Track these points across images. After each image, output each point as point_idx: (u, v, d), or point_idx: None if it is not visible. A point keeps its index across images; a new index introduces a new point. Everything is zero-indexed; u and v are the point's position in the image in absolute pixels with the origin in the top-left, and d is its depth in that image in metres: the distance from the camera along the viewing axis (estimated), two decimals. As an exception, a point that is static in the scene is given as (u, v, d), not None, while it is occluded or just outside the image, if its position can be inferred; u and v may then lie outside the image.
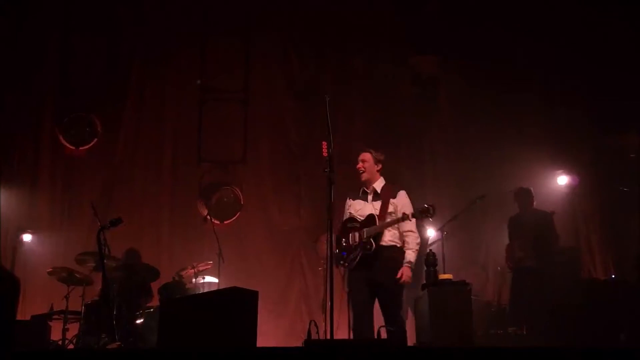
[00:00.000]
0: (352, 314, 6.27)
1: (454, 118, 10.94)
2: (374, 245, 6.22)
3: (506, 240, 8.96)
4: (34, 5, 10.78)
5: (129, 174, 10.73)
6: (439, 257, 7.39)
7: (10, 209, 10.13)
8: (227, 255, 9.10)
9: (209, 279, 8.81)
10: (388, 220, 6.31)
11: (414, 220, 6.32)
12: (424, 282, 6.96)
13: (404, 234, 6.37)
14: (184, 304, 6.05)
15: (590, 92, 10.25)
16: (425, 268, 7.00)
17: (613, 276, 9.41)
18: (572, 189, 10.06)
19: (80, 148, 10.75)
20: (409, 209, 6.36)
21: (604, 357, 4.09)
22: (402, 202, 6.45)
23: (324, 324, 7.56)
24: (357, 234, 6.35)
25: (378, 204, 6.44)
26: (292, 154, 10.89)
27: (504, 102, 10.40)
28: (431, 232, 9.87)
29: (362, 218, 6.43)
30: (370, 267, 6.24)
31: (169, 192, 10.77)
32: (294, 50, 11.27)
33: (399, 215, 6.30)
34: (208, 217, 9.52)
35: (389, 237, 6.35)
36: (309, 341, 4.90)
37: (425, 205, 6.19)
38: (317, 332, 5.70)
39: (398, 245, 6.36)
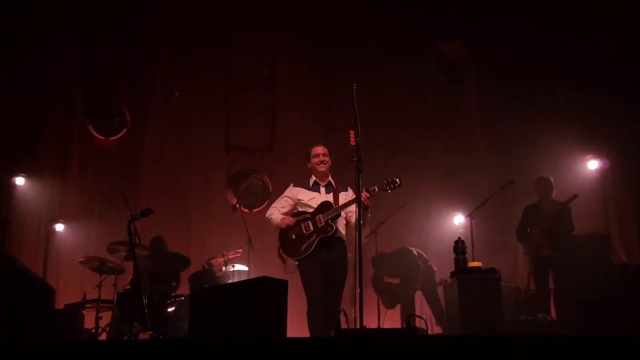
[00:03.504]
0: (309, 303, 6.32)
1: (480, 104, 10.86)
2: (334, 227, 6.35)
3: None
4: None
5: (158, 163, 10.82)
6: (468, 244, 7.34)
7: (42, 200, 10.31)
8: (257, 243, 9.13)
9: (238, 267, 8.87)
10: (344, 202, 6.41)
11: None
12: (453, 270, 6.93)
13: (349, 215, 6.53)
14: (214, 292, 6.09)
15: (621, 76, 10.10)
16: (454, 256, 6.96)
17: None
18: (603, 174, 9.96)
19: (110, 138, 10.88)
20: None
21: (635, 344, 4.05)
22: (352, 194, 6.49)
23: (353, 312, 7.58)
24: (310, 223, 6.44)
25: (331, 196, 6.59)
26: (319, 141, 10.87)
27: (532, 87, 10.29)
28: (459, 219, 9.86)
29: (312, 208, 6.54)
30: (329, 250, 6.37)
31: (198, 180, 10.85)
32: (321, 38, 11.24)
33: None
34: (237, 205, 9.55)
35: (341, 228, 6.54)
36: (339, 331, 4.92)
37: (393, 177, 6.29)
38: (347, 322, 5.70)
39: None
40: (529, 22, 10.41)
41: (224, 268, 8.68)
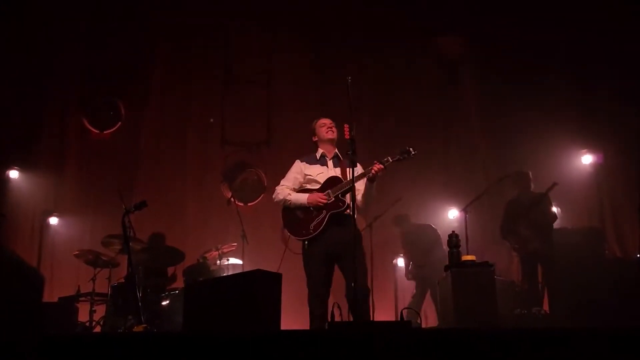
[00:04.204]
0: (314, 291, 6.00)
1: (478, 100, 10.87)
2: (345, 202, 5.99)
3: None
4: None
5: (153, 157, 10.82)
6: (462, 238, 7.35)
7: (37, 193, 10.30)
8: (251, 237, 9.14)
9: (233, 260, 8.86)
10: (356, 175, 5.93)
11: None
12: (447, 263, 6.94)
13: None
14: (208, 286, 6.08)
15: (616, 72, 10.12)
16: (448, 249, 6.97)
17: (639, 255, 9.31)
18: (597, 168, 9.99)
19: (105, 132, 10.86)
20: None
21: (629, 338, 4.07)
22: (362, 169, 6.18)
23: (347, 306, 7.58)
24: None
25: (339, 170, 6.28)
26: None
27: (528, 83, 10.31)
28: (454, 213, 9.88)
29: (320, 184, 6.22)
30: (341, 227, 5.92)
31: (193, 174, 10.85)
32: (318, 34, 11.23)
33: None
34: (232, 199, 9.54)
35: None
36: (332, 323, 4.92)
37: (406, 147, 6.05)
38: (341, 315, 5.70)
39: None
40: (526, 20, 10.42)
41: (218, 261, 8.67)
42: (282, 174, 6.58)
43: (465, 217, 8.69)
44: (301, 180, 6.36)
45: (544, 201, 8.56)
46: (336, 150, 6.45)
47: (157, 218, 9.61)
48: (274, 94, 11.25)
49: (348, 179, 5.91)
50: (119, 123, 10.91)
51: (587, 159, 9.95)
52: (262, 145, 11.09)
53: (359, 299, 5.64)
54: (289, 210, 6.25)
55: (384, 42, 10.99)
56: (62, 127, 10.82)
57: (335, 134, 6.38)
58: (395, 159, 6.01)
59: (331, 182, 6.16)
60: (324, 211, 6.02)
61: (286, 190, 6.32)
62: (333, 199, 6.04)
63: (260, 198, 10.75)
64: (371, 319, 6.12)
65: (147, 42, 11.17)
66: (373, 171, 5.92)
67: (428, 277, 8.88)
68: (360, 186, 6.11)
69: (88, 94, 10.94)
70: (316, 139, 6.50)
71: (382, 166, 5.94)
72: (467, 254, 7.16)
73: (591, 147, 9.95)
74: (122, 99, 10.96)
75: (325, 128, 6.43)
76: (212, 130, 11.08)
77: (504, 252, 9.81)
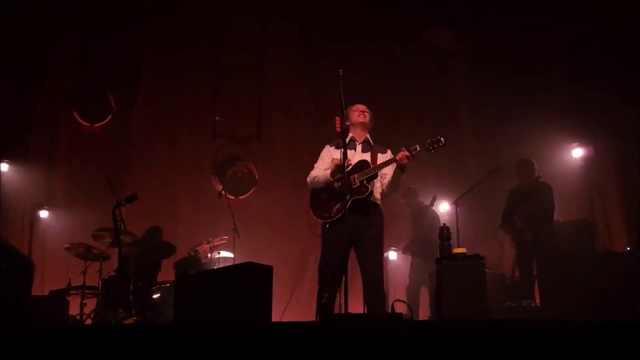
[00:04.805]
0: (326, 274, 5.96)
1: (468, 92, 10.88)
2: (369, 188, 5.95)
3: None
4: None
5: (144, 150, 10.79)
6: (453, 231, 7.35)
7: (27, 186, 10.27)
8: (242, 230, 9.15)
9: (224, 254, 8.86)
10: (383, 161, 6.04)
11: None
12: (438, 256, 6.94)
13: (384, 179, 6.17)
14: (199, 279, 6.08)
15: (608, 66, 10.14)
16: (439, 242, 6.98)
17: (628, 249, 9.35)
18: (588, 162, 10.01)
19: (95, 125, 10.83)
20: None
21: (619, 330, 4.09)
22: (391, 155, 6.17)
23: (338, 298, 7.59)
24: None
25: (368, 155, 6.22)
26: (306, 130, 10.87)
27: (520, 76, 10.32)
28: (445, 206, 9.88)
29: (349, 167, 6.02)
30: (363, 214, 5.91)
31: (185, 167, 10.84)
32: (310, 27, 11.20)
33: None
34: (223, 192, 9.52)
35: (376, 192, 6.18)
36: (324, 316, 4.92)
37: (437, 136, 5.88)
38: (332, 307, 5.71)
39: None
40: (518, 13, 10.43)
41: (209, 255, 8.68)
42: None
43: (457, 210, 8.70)
44: (330, 162, 6.29)
45: (544, 189, 8.56)
46: (367, 136, 6.39)
47: (148, 211, 9.60)
48: (265, 87, 11.23)
49: (377, 164, 5.96)
50: (110, 116, 10.88)
51: (577, 153, 9.95)
52: (253, 139, 11.07)
53: (371, 290, 5.79)
54: (316, 192, 6.25)
55: (376, 35, 10.97)
56: (52, 120, 10.79)
57: (367, 118, 6.34)
58: (424, 148, 5.89)
59: (359, 166, 6.09)
60: (348, 196, 5.84)
61: (315, 172, 6.33)
62: (358, 183, 5.97)
63: (251, 191, 10.75)
64: (387, 310, 6.05)
65: (138, 36, 11.12)
66: (398, 158, 5.86)
67: (425, 255, 8.89)
68: (388, 171, 6.10)
69: (79, 87, 10.90)
70: (348, 123, 6.36)
71: (407, 153, 5.86)
72: (458, 247, 7.16)
73: (582, 141, 9.96)
74: (113, 92, 10.92)
75: (357, 112, 6.37)
76: (204, 124, 11.06)
77: (495, 244, 9.85)
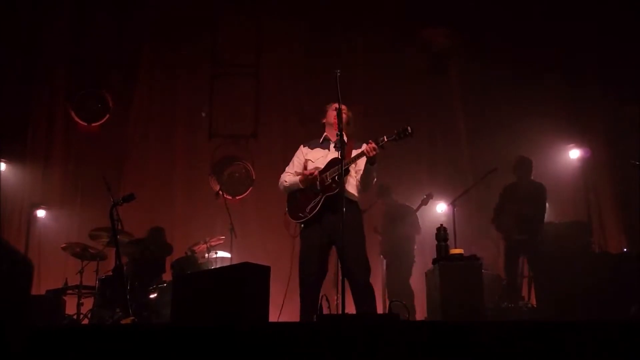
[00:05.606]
0: (304, 274, 5.91)
1: (464, 92, 10.89)
2: (338, 184, 5.68)
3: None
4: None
5: (141, 149, 10.79)
6: (450, 232, 7.37)
7: (24, 185, 10.25)
8: (240, 230, 9.15)
9: (221, 254, 8.85)
10: (352, 157, 5.92)
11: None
12: (435, 256, 6.96)
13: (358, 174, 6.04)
14: (196, 279, 6.07)
15: (605, 66, 10.16)
16: (436, 243, 6.99)
17: (625, 250, 9.38)
18: (584, 163, 10.03)
19: (93, 124, 10.82)
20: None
21: (615, 330, 4.10)
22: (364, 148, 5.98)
23: (335, 298, 7.61)
24: (317, 183, 5.96)
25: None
26: (303, 129, 10.87)
27: (516, 76, 10.32)
28: (442, 207, 9.90)
29: (321, 168, 6.04)
30: (336, 212, 5.57)
31: (181, 167, 10.83)
32: (305, 25, 11.20)
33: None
34: (220, 192, 9.52)
35: (351, 188, 6.04)
36: (321, 316, 4.92)
37: (404, 126, 5.72)
38: (329, 307, 5.71)
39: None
40: (514, 13, 10.44)
41: (206, 255, 8.66)
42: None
43: (453, 211, 8.72)
44: (302, 164, 6.24)
45: (539, 191, 8.58)
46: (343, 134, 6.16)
47: (145, 211, 9.62)
48: (262, 86, 11.24)
49: (347, 160, 5.83)
50: (107, 115, 10.87)
51: (574, 153, 9.98)
52: (250, 138, 11.07)
53: (356, 288, 5.69)
54: (292, 194, 6.19)
55: (370, 31, 11.00)
56: (49, 120, 10.77)
57: (344, 117, 5.97)
58: (391, 138, 5.73)
59: (332, 164, 5.99)
60: (321, 194, 5.90)
61: (286, 175, 6.26)
62: (329, 180, 5.89)
63: (248, 191, 10.75)
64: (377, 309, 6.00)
65: (135, 34, 11.12)
66: (365, 150, 5.76)
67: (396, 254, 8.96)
68: (361, 166, 6.00)
69: (75, 87, 10.88)
70: (325, 120, 6.35)
71: (374, 145, 5.73)
72: (455, 248, 7.18)
73: (578, 142, 9.98)
74: (110, 92, 10.91)
75: (335, 112, 6.06)
76: (200, 123, 11.06)
77: (492, 245, 9.86)
